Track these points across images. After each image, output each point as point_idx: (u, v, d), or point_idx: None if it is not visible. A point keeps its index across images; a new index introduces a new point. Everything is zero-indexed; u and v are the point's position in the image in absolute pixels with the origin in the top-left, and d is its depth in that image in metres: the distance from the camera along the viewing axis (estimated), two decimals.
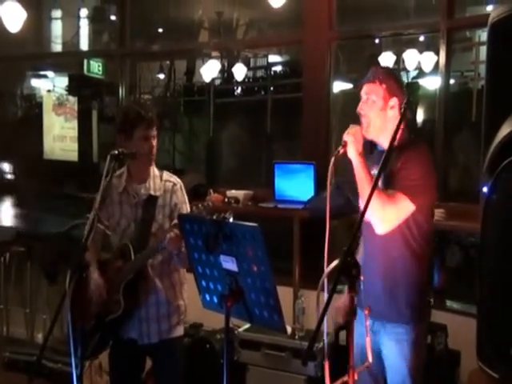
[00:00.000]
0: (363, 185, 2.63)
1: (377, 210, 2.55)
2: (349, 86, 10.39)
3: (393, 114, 2.74)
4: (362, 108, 2.79)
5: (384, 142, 2.76)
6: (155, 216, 3.09)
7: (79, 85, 9.84)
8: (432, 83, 7.48)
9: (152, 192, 3.11)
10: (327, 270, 2.50)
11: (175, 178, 3.22)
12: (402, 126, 2.66)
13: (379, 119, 2.74)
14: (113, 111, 8.88)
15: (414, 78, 9.95)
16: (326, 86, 4.86)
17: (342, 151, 2.68)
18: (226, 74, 12.97)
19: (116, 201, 3.16)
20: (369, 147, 2.88)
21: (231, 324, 2.54)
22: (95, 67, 10.40)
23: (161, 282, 3.11)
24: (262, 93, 13.32)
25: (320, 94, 4.82)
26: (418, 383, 2.74)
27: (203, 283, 2.49)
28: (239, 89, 13.79)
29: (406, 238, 2.69)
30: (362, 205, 2.75)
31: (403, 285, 2.72)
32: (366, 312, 2.41)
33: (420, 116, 10.48)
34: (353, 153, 2.65)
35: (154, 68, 13.29)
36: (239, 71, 10.15)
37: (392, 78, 2.80)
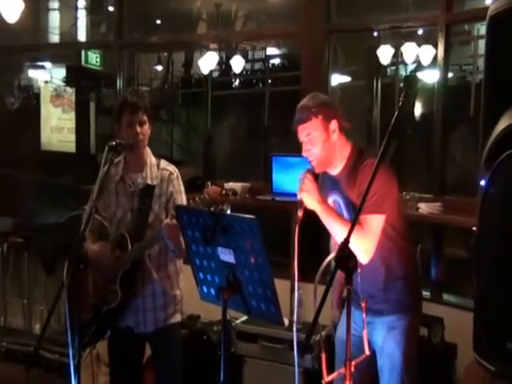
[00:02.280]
0: (336, 228, 2.58)
1: (355, 245, 2.40)
2: (347, 79, 10.41)
3: (336, 137, 2.67)
4: (306, 150, 2.69)
5: (335, 167, 2.73)
6: (152, 206, 3.08)
7: (77, 76, 9.80)
8: (430, 77, 7.49)
9: (149, 181, 3.10)
10: (324, 262, 2.51)
11: (172, 167, 3.20)
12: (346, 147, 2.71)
13: (326, 151, 2.66)
14: (110, 103, 8.86)
15: (412, 71, 9.96)
16: (324, 78, 4.85)
17: (301, 214, 2.59)
18: (224, 66, 12.97)
19: (112, 191, 3.15)
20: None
21: (228, 316, 2.55)
22: (93, 58, 10.37)
23: (157, 273, 3.12)
24: (260, 85, 13.32)
25: (318, 86, 4.80)
26: (412, 370, 2.76)
27: (201, 275, 2.49)
28: (237, 81, 13.79)
29: (387, 234, 2.67)
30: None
31: (392, 278, 2.74)
32: (363, 305, 2.42)
33: (418, 109, 10.49)
34: (313, 204, 2.59)
35: (152, 60, 13.28)
36: (237, 63, 10.15)
37: (322, 103, 2.68)
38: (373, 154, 2.61)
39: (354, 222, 2.15)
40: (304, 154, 2.71)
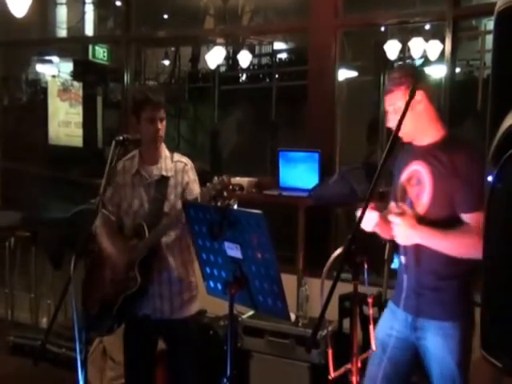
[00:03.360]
0: (442, 243, 2.50)
1: (469, 248, 2.39)
2: (354, 74, 10.38)
3: (422, 108, 2.60)
4: (389, 120, 2.64)
5: (422, 139, 2.66)
6: (167, 196, 3.15)
7: (84, 70, 9.84)
8: (437, 72, 7.46)
9: (164, 173, 3.18)
10: (331, 257, 2.52)
11: (186, 159, 3.30)
12: (436, 122, 2.63)
13: (411, 121, 2.53)
14: (117, 97, 8.87)
15: (419, 66, 9.95)
16: (332, 73, 4.83)
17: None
18: (231, 60, 12.98)
19: (129, 183, 3.22)
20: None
21: (235, 311, 2.55)
22: (100, 53, 10.39)
23: (174, 261, 3.17)
24: (267, 80, 13.32)
25: (325, 81, 4.79)
26: (466, 376, 2.63)
27: (207, 270, 2.50)
28: (244, 76, 13.79)
29: None
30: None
31: (449, 281, 2.60)
32: (370, 300, 2.42)
33: None
34: (415, 234, 2.51)
35: (159, 54, 13.30)
36: (244, 58, 10.14)
37: (409, 73, 2.63)
38: (471, 145, 2.55)
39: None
40: (388, 124, 2.65)
